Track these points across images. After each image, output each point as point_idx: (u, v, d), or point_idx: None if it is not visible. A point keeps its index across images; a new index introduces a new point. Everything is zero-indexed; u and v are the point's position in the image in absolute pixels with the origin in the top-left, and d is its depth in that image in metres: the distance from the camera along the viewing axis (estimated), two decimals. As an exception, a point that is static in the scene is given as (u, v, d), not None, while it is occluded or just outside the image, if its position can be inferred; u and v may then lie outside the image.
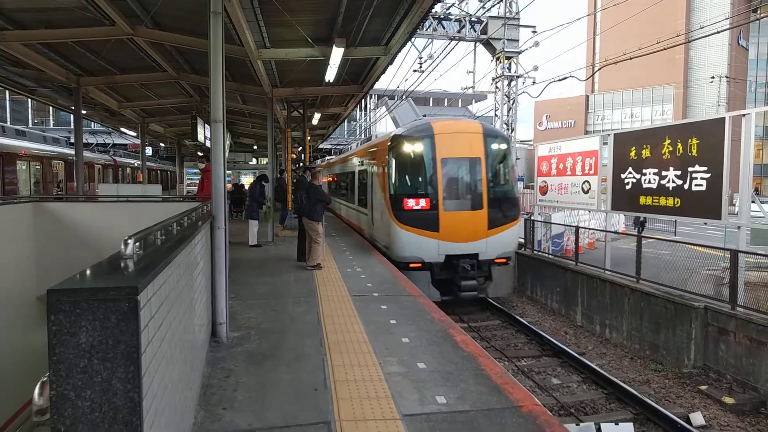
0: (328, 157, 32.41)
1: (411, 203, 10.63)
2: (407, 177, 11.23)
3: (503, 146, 11.46)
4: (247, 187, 18.69)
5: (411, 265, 10.57)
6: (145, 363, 1.96)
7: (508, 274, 11.58)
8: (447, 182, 10.74)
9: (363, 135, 42.25)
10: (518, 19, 19.69)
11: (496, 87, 20.67)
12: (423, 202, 10.62)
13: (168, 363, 2.57)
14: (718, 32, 16.40)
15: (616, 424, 6.39)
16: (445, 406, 3.94)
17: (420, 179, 10.98)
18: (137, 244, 2.55)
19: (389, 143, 11.37)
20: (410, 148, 11.00)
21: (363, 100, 23.63)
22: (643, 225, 16.87)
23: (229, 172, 24.74)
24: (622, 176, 10.74)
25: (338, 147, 39.70)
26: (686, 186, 9.04)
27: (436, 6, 8.00)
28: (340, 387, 4.26)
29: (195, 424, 3.60)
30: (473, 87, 22.17)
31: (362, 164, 14.78)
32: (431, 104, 45.67)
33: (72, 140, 17.77)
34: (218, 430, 3.54)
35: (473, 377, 4.50)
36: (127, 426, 1.84)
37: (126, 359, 1.85)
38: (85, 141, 15.64)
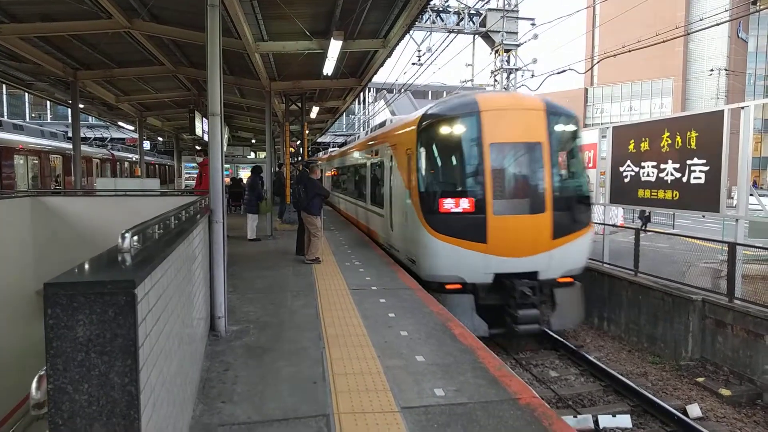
0: (331, 149, 31.72)
1: (448, 204, 8.10)
2: (443, 169, 8.70)
3: (571, 127, 8.79)
4: (245, 181, 18.65)
5: (447, 287, 8.18)
6: (142, 356, 1.96)
7: (575, 299, 8.77)
8: (498, 176, 8.18)
9: (362, 128, 42.11)
10: (517, 11, 19.61)
11: (495, 80, 20.61)
12: (465, 203, 8.08)
13: (166, 356, 2.57)
14: (718, 24, 16.35)
15: (614, 416, 6.43)
16: (443, 398, 3.96)
17: (461, 172, 8.46)
18: (135, 237, 2.54)
19: (418, 125, 8.79)
20: (447, 130, 8.48)
21: (361, 94, 23.55)
22: (648, 219, 16.86)
23: (227, 166, 24.73)
24: (621, 169, 10.74)
25: (336, 141, 39.65)
26: (685, 179, 9.04)
27: (434, -2, 7.94)
28: (338, 380, 4.28)
29: (194, 417, 3.61)
30: (472, 80, 22.10)
31: (377, 154, 12.30)
32: (430, 97, 45.60)
33: (69, 134, 17.72)
34: (217, 423, 3.55)
35: (471, 370, 4.52)
36: (125, 419, 1.84)
37: (123, 353, 1.85)
38: (82, 135, 15.61)
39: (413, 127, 8.99)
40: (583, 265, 8.88)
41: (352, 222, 15.43)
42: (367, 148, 13.90)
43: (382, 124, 14.67)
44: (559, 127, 8.57)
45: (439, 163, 8.74)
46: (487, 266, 8.04)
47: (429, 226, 8.18)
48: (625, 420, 6.37)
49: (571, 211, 8.45)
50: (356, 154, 15.99)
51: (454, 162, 8.58)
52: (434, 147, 8.66)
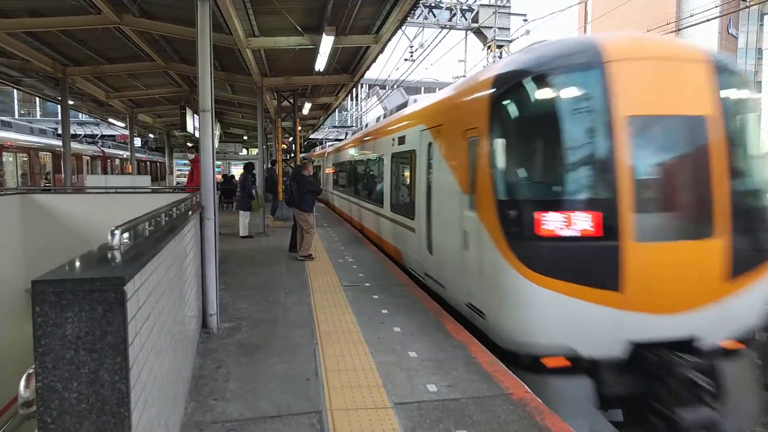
0: (329, 143, 30.84)
1: (553, 222, 4.60)
2: (541, 164, 5.27)
3: (747, 93, 5.21)
4: (237, 178, 18.57)
5: (548, 363, 4.73)
6: (132, 354, 1.94)
7: (748, 376, 5.08)
8: (641, 173, 4.70)
9: (355, 125, 41.93)
10: (509, 7, 19.62)
11: (488, 76, 20.59)
12: (583, 221, 4.58)
13: (157, 354, 2.56)
14: (708, 20, 16.43)
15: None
16: (436, 394, 3.97)
17: (574, 168, 4.83)
18: (125, 234, 2.52)
19: (493, 89, 5.27)
20: (548, 95, 4.93)
21: (354, 90, 23.51)
22: None
23: (218, 162, 24.59)
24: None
25: (329, 137, 39.50)
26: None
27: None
28: (331, 376, 4.28)
29: (186, 414, 3.60)
30: (464, 76, 22.12)
31: (402, 142, 9.09)
32: (423, 93, 45.61)
33: (59, 131, 17.57)
34: (210, 421, 3.54)
35: (464, 365, 4.53)
36: (115, 417, 1.83)
37: (113, 350, 1.83)
38: (72, 132, 15.48)
39: (483, 95, 5.47)
40: (763, 320, 5.17)
41: (382, 248, 11.09)
42: (386, 135, 10.66)
43: (404, 105, 11.33)
44: (733, 93, 5.07)
45: (534, 154, 5.29)
46: (620, 330, 4.66)
47: (518, 259, 4.73)
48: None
49: (755, 232, 5.05)
50: (367, 145, 13.23)
51: (562, 150, 4.84)
52: (523, 126, 5.22)
